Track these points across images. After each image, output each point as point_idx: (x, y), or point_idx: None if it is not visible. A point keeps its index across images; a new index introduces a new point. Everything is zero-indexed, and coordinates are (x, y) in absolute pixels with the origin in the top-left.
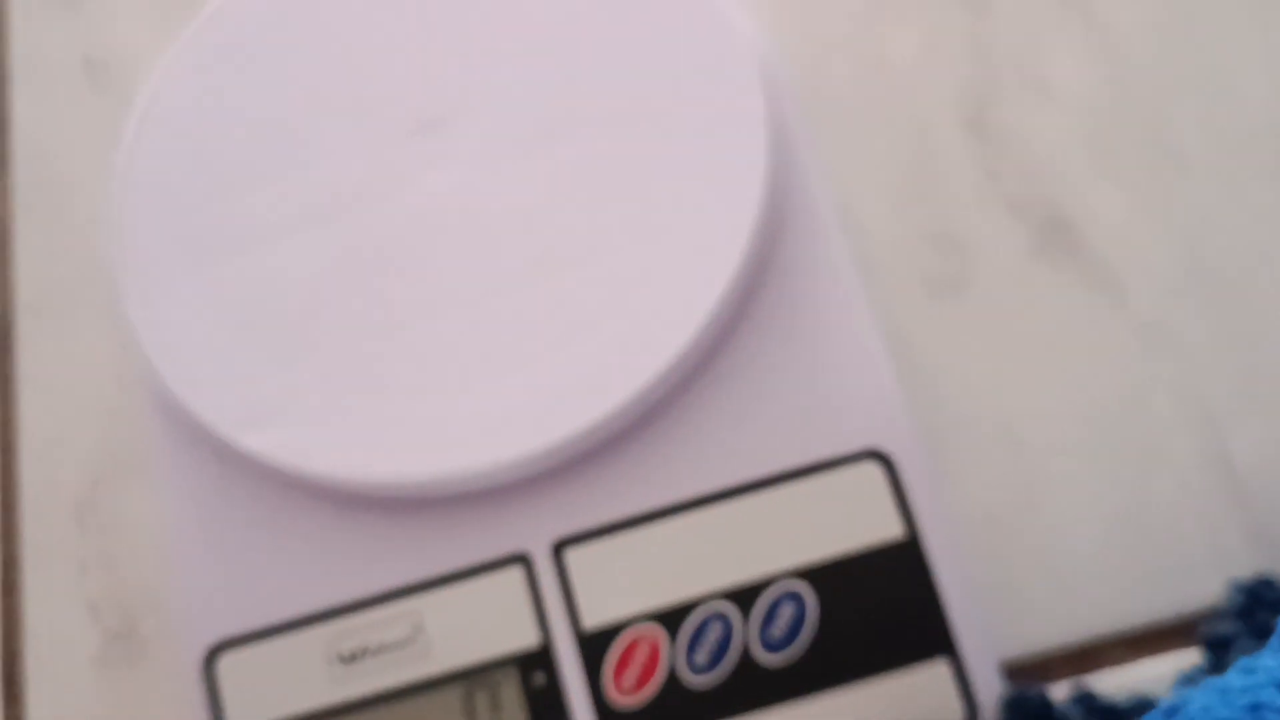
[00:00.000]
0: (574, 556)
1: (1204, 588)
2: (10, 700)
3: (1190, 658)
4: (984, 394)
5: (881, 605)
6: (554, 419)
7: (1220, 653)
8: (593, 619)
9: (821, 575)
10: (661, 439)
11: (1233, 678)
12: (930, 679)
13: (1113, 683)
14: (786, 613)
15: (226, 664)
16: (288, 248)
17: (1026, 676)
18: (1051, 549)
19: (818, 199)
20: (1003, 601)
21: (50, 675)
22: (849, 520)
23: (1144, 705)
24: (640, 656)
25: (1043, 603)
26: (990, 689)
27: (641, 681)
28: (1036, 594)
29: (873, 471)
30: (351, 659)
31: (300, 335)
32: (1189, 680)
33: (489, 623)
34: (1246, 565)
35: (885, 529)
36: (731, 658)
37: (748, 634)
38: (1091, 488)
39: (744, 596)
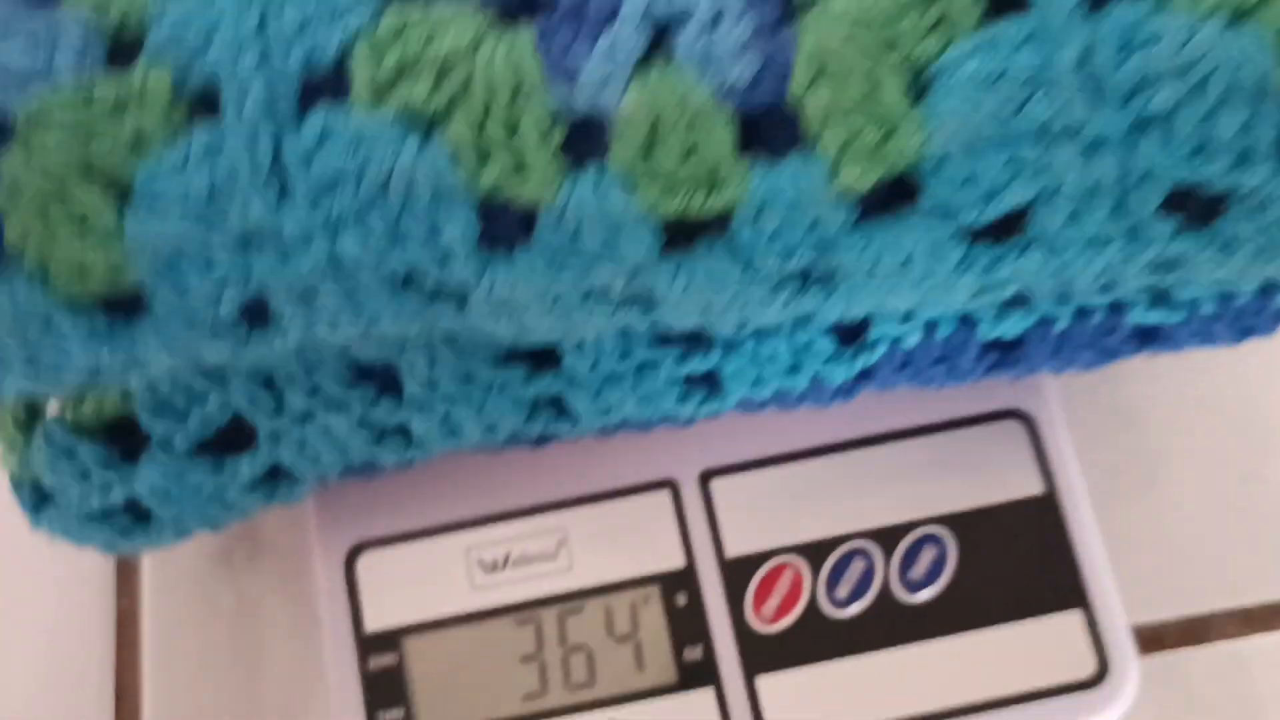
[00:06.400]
0: (721, 486)
1: None
2: (124, 592)
3: None
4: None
5: (1019, 556)
6: None
7: None
8: (736, 547)
9: (963, 523)
10: None
11: None
12: (1063, 629)
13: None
14: (928, 555)
15: (366, 564)
16: None
17: (1140, 641)
18: (1170, 523)
19: None
20: (1120, 568)
21: (167, 571)
22: (991, 474)
23: None
24: (782, 585)
25: (1158, 573)
26: (1120, 645)
27: (782, 609)
28: (1152, 564)
29: (1015, 429)
30: (494, 567)
31: None
32: None
33: (633, 543)
34: None
35: (1025, 485)
36: (872, 593)
37: (889, 572)
38: (1208, 467)
39: (887, 537)
